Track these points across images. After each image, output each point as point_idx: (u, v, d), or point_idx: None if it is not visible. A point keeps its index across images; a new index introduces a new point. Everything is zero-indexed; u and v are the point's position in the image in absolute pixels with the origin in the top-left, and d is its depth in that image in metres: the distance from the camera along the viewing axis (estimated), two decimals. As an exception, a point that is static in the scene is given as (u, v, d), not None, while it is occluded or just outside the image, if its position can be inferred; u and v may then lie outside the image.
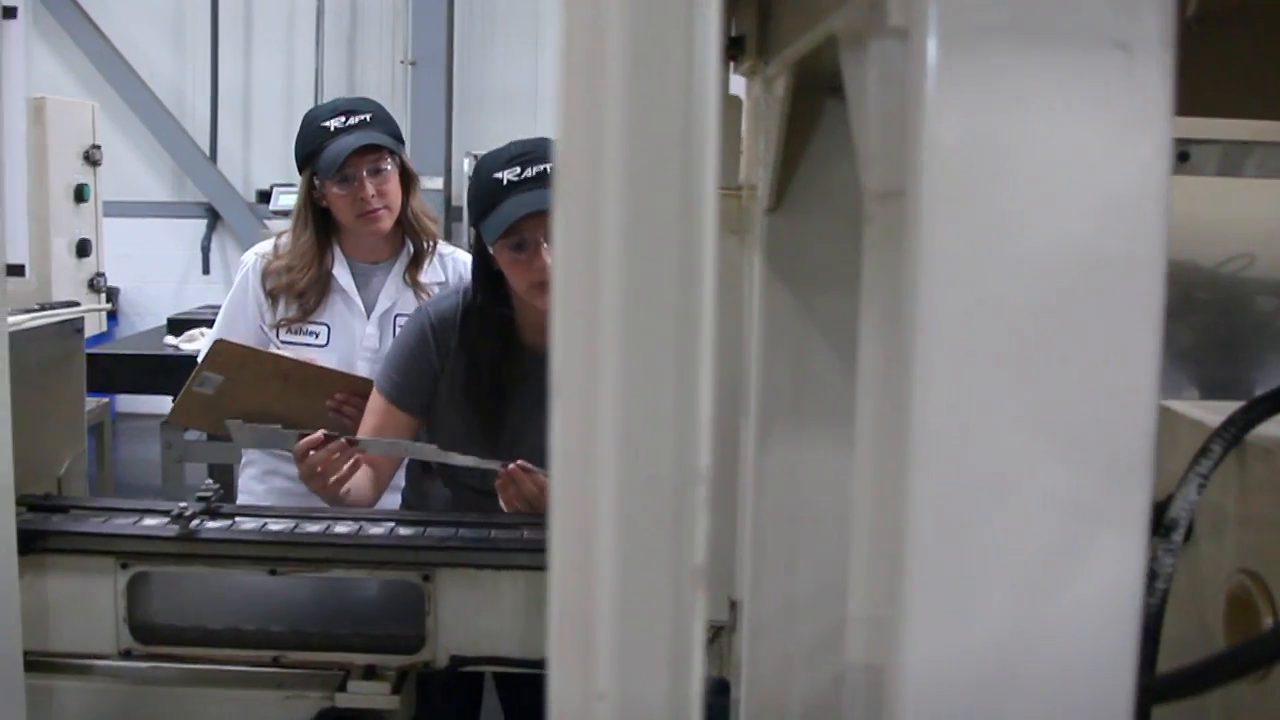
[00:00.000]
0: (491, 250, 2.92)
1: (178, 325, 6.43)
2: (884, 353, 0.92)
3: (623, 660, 0.72)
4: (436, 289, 3.47)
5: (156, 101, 11.78)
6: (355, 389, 3.17)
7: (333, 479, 2.75)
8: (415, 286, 3.48)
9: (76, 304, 2.93)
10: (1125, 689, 0.76)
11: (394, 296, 3.49)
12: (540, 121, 11.88)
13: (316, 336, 3.46)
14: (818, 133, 1.43)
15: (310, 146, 3.39)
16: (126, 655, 2.45)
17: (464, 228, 11.38)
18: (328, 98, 11.88)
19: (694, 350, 0.68)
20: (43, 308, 2.73)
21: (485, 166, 2.94)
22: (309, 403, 3.01)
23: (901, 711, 0.79)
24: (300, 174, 3.47)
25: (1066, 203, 0.77)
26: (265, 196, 11.50)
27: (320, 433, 2.74)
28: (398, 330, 3.38)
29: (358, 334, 3.46)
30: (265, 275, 3.46)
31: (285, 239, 3.50)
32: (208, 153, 11.86)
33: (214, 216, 11.72)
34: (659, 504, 0.70)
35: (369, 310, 3.48)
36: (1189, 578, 1.29)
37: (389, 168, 3.39)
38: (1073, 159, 0.76)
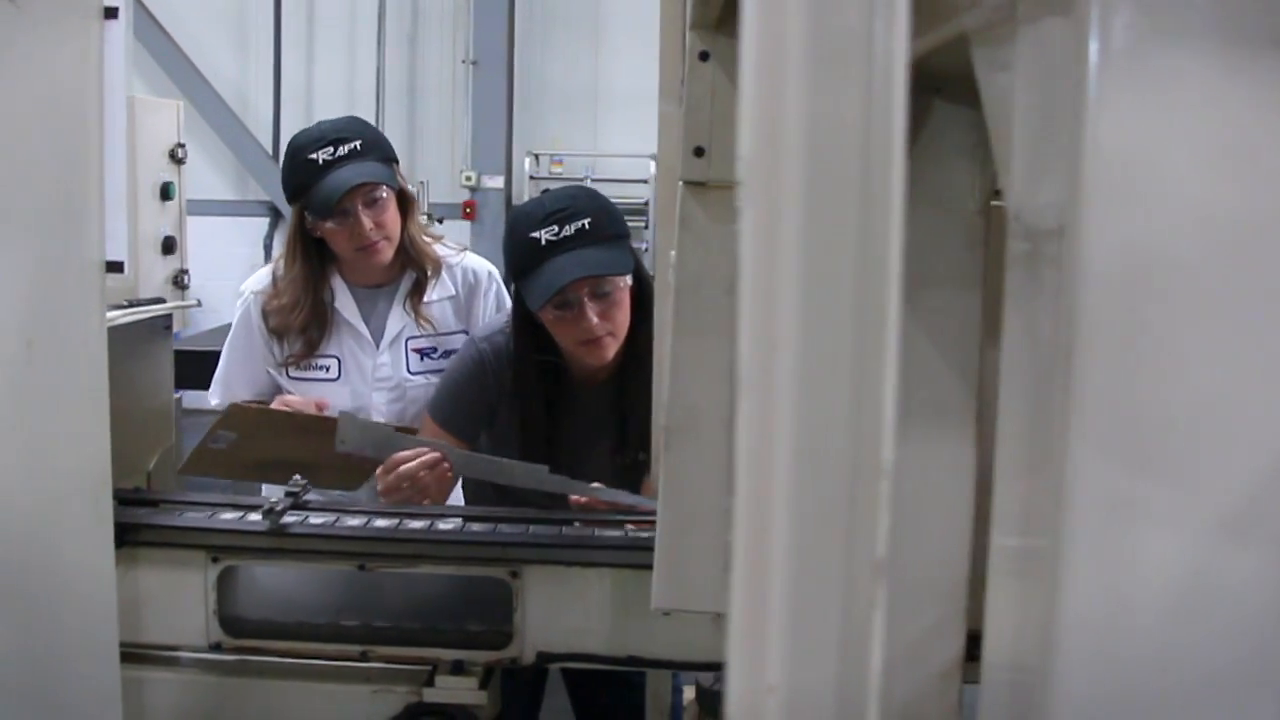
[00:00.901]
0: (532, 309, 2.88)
1: (249, 322, 6.47)
2: (1032, 358, 0.92)
3: (794, 654, 0.72)
4: (448, 303, 3.41)
5: (220, 101, 11.89)
6: None
7: (421, 496, 2.76)
8: (417, 315, 3.36)
9: (162, 300, 2.97)
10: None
11: (402, 321, 3.37)
12: (600, 121, 11.91)
13: (327, 370, 3.35)
14: (923, 133, 1.43)
15: (299, 181, 3.20)
16: (216, 648, 2.47)
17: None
18: (389, 97, 12.01)
19: (877, 348, 0.69)
20: (131, 304, 2.77)
21: (520, 225, 2.88)
22: (326, 450, 2.85)
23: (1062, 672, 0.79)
24: (289, 204, 3.31)
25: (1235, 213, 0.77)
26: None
27: (429, 453, 2.75)
28: (410, 355, 3.34)
29: (369, 365, 3.35)
30: (266, 314, 3.32)
31: (280, 261, 3.38)
32: (270, 152, 11.95)
33: (276, 215, 11.83)
34: (833, 498, 0.70)
35: (377, 339, 3.36)
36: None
37: (384, 196, 3.23)
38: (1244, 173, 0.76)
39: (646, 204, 11.02)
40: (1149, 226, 0.79)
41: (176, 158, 3.13)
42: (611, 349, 2.89)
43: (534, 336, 2.98)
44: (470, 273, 3.44)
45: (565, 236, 2.79)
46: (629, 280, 2.89)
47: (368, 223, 3.17)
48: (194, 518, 2.52)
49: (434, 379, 3.28)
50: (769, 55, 0.68)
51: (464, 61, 11.85)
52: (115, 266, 2.20)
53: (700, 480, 1.87)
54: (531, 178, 11.60)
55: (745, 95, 0.68)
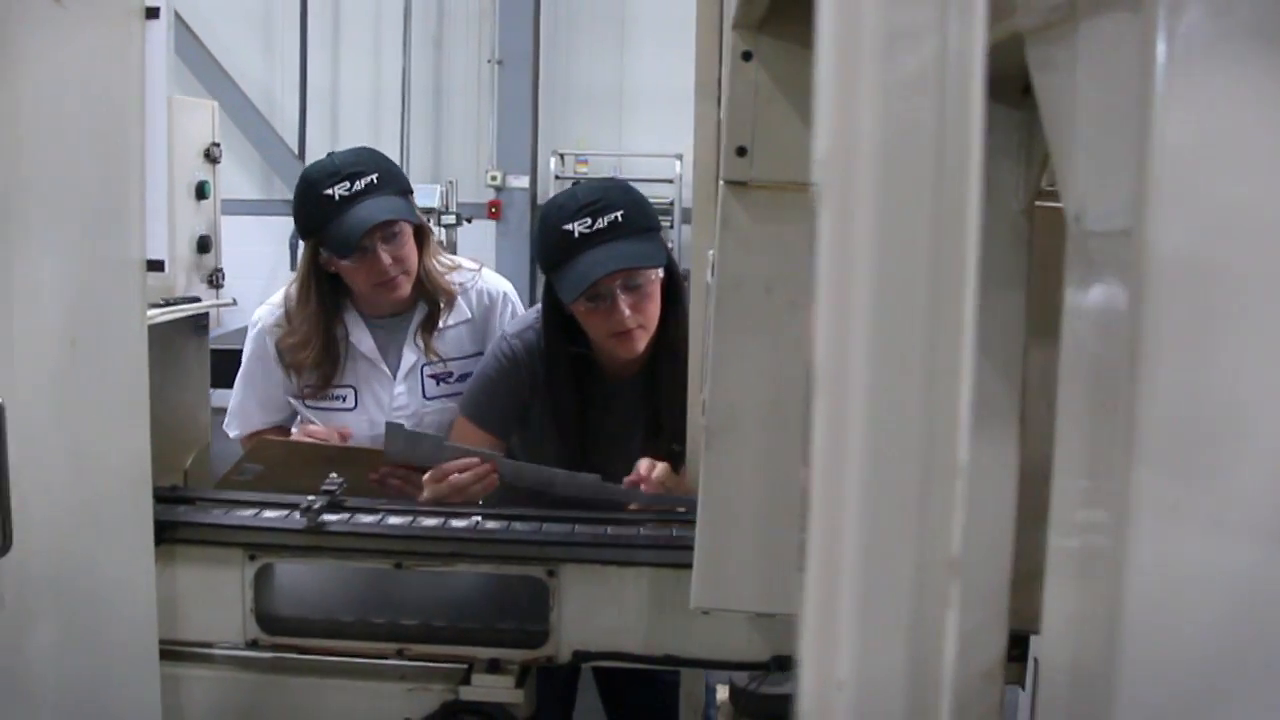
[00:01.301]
0: (565, 302, 2.88)
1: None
2: (1093, 359, 0.92)
3: (863, 650, 0.72)
4: (464, 328, 3.36)
5: (247, 101, 11.93)
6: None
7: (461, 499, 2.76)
8: (427, 348, 3.30)
9: (197, 299, 2.98)
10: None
11: (417, 352, 3.32)
12: (625, 120, 11.91)
13: (344, 400, 3.30)
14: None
15: (315, 218, 3.10)
16: (253, 645, 2.48)
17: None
18: (415, 97, 12.03)
19: (953, 348, 0.69)
20: (167, 303, 2.78)
21: (552, 217, 2.88)
22: (352, 477, 2.78)
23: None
24: (302, 239, 3.23)
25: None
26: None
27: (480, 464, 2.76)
28: (426, 382, 3.31)
29: (385, 396, 3.30)
30: (280, 349, 3.25)
31: (293, 296, 3.26)
32: (296, 152, 11.99)
33: (302, 214, 11.86)
34: (907, 496, 0.71)
35: (394, 370, 3.31)
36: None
37: (403, 230, 3.17)
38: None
39: (672, 204, 11.04)
40: (1216, 227, 0.79)
41: (211, 157, 3.14)
42: (643, 341, 2.90)
43: (564, 330, 2.99)
44: (485, 295, 3.40)
45: (598, 229, 2.79)
46: (660, 273, 2.90)
47: (387, 259, 3.11)
48: (231, 516, 2.53)
49: (451, 403, 3.26)
50: (844, 55, 0.68)
51: (489, 61, 11.88)
52: (156, 265, 2.21)
53: (740, 480, 1.87)
54: (557, 177, 11.61)
55: (821, 96, 0.68)
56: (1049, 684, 0.98)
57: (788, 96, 1.75)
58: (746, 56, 1.74)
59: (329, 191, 3.04)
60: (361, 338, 3.28)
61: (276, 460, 2.94)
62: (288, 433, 3.32)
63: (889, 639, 0.72)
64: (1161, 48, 0.78)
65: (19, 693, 1.83)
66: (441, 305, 3.30)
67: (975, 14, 0.68)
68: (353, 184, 3.05)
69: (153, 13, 2.16)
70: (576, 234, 2.79)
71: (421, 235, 3.25)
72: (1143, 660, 0.83)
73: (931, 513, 0.70)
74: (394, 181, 3.17)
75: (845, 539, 0.71)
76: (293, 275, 3.24)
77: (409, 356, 3.30)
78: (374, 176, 3.09)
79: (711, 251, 2.10)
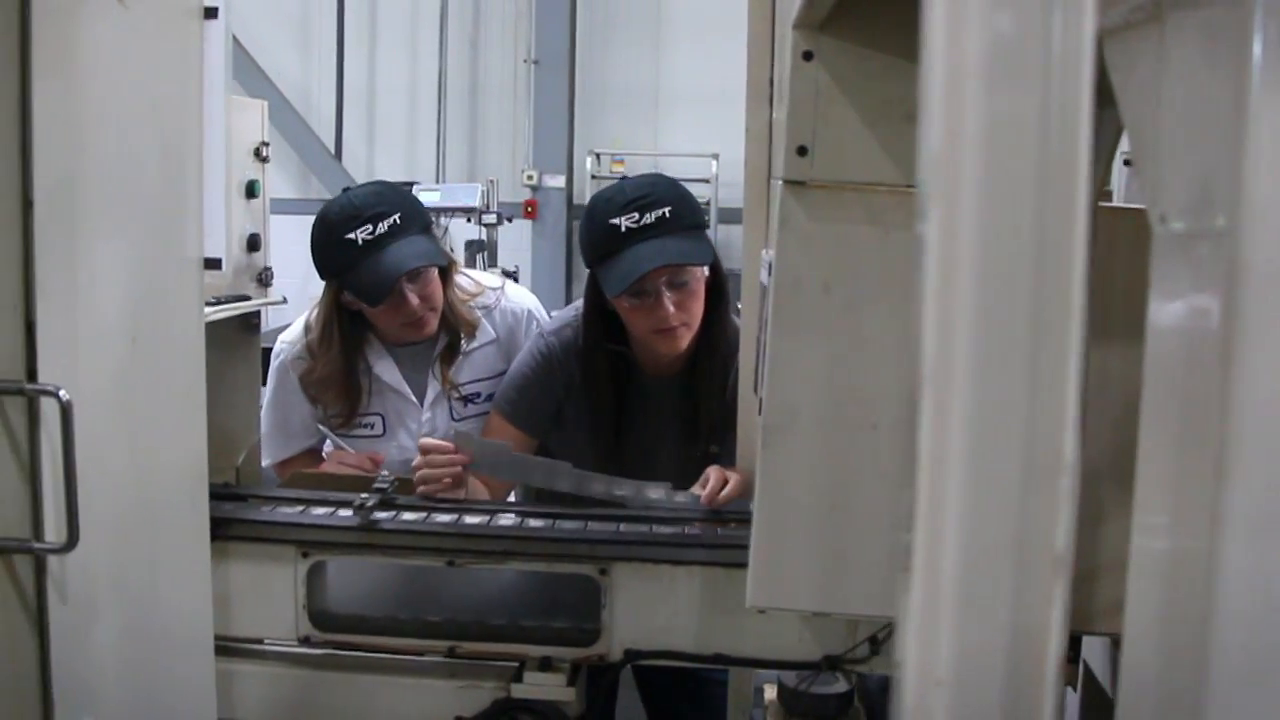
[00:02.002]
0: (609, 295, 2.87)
1: (318, 320, 6.51)
2: (1181, 358, 0.91)
3: (962, 648, 0.72)
4: (491, 348, 3.31)
5: (283, 100, 11.97)
6: None
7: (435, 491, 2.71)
8: (443, 379, 3.25)
9: (247, 298, 2.99)
10: None
11: (439, 382, 3.28)
12: (660, 120, 11.92)
13: (371, 428, 3.26)
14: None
15: (337, 263, 3.03)
16: (305, 641, 2.49)
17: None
18: (451, 97, 12.06)
19: (1061, 346, 0.69)
20: (218, 301, 2.79)
21: (600, 211, 2.87)
22: None
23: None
24: (322, 278, 3.14)
25: None
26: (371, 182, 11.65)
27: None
28: (453, 405, 3.27)
29: (414, 423, 3.26)
30: (304, 383, 3.21)
31: (313, 330, 3.19)
32: (333, 151, 12.04)
33: (338, 213, 11.91)
34: (1007, 496, 0.71)
35: (420, 398, 3.27)
36: None
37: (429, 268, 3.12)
38: None
39: (708, 203, 11.03)
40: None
41: (261, 156, 3.15)
42: (686, 339, 2.89)
43: (605, 327, 2.98)
44: (509, 314, 3.35)
45: (645, 224, 2.79)
46: (706, 270, 2.89)
47: (415, 300, 3.06)
48: (285, 513, 2.55)
49: (479, 423, 3.23)
50: (951, 57, 0.68)
51: (526, 61, 11.89)
52: (213, 263, 2.23)
53: (798, 478, 1.87)
54: (593, 177, 11.62)
55: (928, 97, 0.68)
56: (1133, 684, 0.98)
57: (848, 96, 1.75)
58: (808, 56, 1.74)
59: (351, 236, 2.98)
60: (386, 369, 3.24)
61: (312, 488, 2.90)
62: (318, 455, 3.32)
63: (990, 638, 0.72)
64: (1259, 45, 0.78)
65: (82, 687, 1.84)
66: (462, 336, 3.25)
67: (1084, 11, 0.68)
68: (375, 226, 2.98)
69: (211, 12, 2.18)
70: (624, 228, 2.79)
71: (445, 269, 3.20)
72: (1235, 665, 0.82)
73: (1036, 510, 0.70)
74: (416, 219, 3.11)
75: (948, 538, 0.71)
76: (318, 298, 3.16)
77: (434, 384, 3.27)
78: (396, 216, 3.02)
79: (765, 251, 2.10)
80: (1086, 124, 0.69)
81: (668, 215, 2.81)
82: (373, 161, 12.26)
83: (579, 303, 3.14)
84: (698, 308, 2.91)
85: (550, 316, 3.38)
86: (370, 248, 2.97)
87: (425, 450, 2.71)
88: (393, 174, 11.80)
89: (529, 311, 3.38)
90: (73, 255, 1.78)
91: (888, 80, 1.74)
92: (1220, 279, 0.82)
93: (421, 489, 2.68)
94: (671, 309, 2.81)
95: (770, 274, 1.91)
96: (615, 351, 3.01)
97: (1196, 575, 0.84)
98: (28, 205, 1.71)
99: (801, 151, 1.77)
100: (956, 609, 0.72)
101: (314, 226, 3.09)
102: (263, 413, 3.26)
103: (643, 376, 3.06)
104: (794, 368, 1.85)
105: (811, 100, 1.76)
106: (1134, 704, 0.97)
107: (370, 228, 2.97)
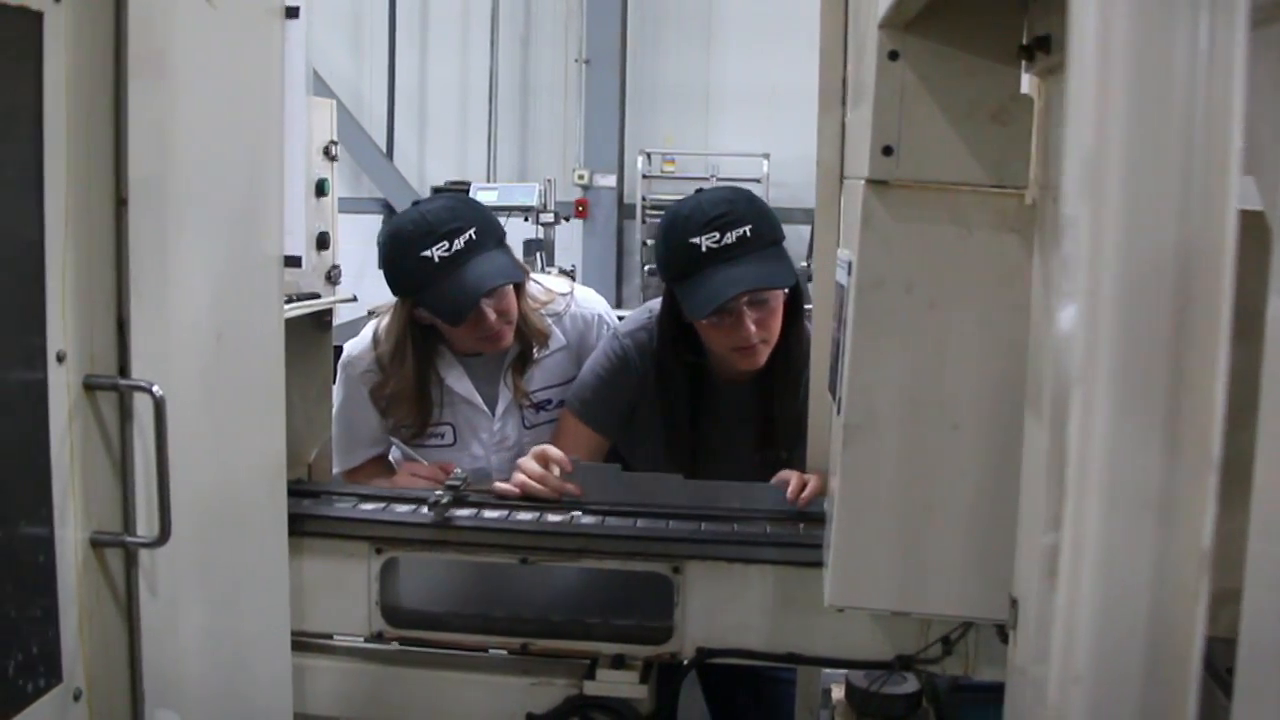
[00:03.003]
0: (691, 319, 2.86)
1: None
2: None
3: (1099, 645, 0.73)
4: (561, 354, 3.28)
5: (335, 99, 12.03)
6: None
7: None
8: (516, 390, 3.20)
9: (317, 295, 3.00)
10: None
11: (510, 391, 3.24)
12: (711, 119, 11.91)
13: (442, 438, 3.24)
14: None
15: (413, 281, 3.01)
16: (378, 637, 2.51)
17: (635, 225, 11.46)
18: (502, 96, 12.10)
19: (1206, 345, 0.69)
20: (292, 299, 2.81)
21: (678, 228, 2.84)
22: None
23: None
24: (394, 294, 3.14)
25: None
26: (440, 193, 11.70)
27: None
28: (525, 413, 3.25)
29: (484, 434, 3.24)
30: (374, 396, 3.19)
31: (383, 344, 3.17)
32: (384, 150, 12.10)
33: (390, 212, 11.97)
34: (1149, 494, 0.71)
35: (492, 407, 3.24)
36: None
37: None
38: None
39: (759, 203, 11.00)
40: None
41: (330, 155, 3.17)
42: (764, 355, 2.88)
43: (681, 337, 2.98)
44: (580, 319, 3.33)
45: (726, 244, 2.76)
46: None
47: (492, 316, 3.02)
48: (359, 509, 2.57)
49: (550, 429, 3.21)
50: (1100, 56, 0.68)
51: (577, 61, 11.92)
52: (293, 261, 2.25)
53: (878, 478, 1.87)
54: (644, 176, 11.64)
55: (1077, 96, 0.69)
56: (1249, 692, 0.97)
57: (934, 96, 1.76)
58: (893, 56, 1.75)
59: (427, 253, 2.94)
60: (457, 379, 3.22)
61: None
62: (386, 462, 3.33)
63: (1131, 635, 0.72)
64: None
65: (167, 681, 1.86)
66: (534, 347, 3.21)
67: (1235, 10, 0.68)
68: (451, 243, 2.95)
69: (292, 12, 2.20)
70: (704, 248, 2.77)
71: (519, 283, 3.16)
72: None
73: (1181, 508, 0.70)
74: (492, 232, 3.07)
75: (1091, 537, 0.71)
76: (381, 275, 3.12)
77: (506, 394, 3.24)
78: (472, 231, 2.98)
79: (842, 251, 2.11)
80: (1237, 124, 0.69)
81: (748, 234, 2.78)
82: (423, 161, 12.32)
83: (653, 303, 3.14)
84: (777, 324, 2.90)
85: (619, 318, 3.37)
86: (448, 265, 2.94)
87: (533, 472, 2.67)
88: (444, 174, 11.87)
89: (599, 316, 3.36)
90: (164, 253, 1.80)
91: (973, 80, 1.75)
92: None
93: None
94: (753, 328, 2.80)
95: (849, 274, 1.91)
96: (691, 361, 3.01)
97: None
98: (121, 204, 1.73)
99: (886, 151, 1.78)
100: (1097, 606, 0.72)
101: (387, 243, 3.08)
102: (333, 421, 3.18)
103: (716, 384, 3.05)
104: (875, 368, 1.85)
105: (897, 100, 1.76)
106: (1252, 707, 0.97)
107: (446, 244, 2.94)
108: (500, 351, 3.19)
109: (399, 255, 3.02)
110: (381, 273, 3.13)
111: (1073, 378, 0.69)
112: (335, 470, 3.24)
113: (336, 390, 3.21)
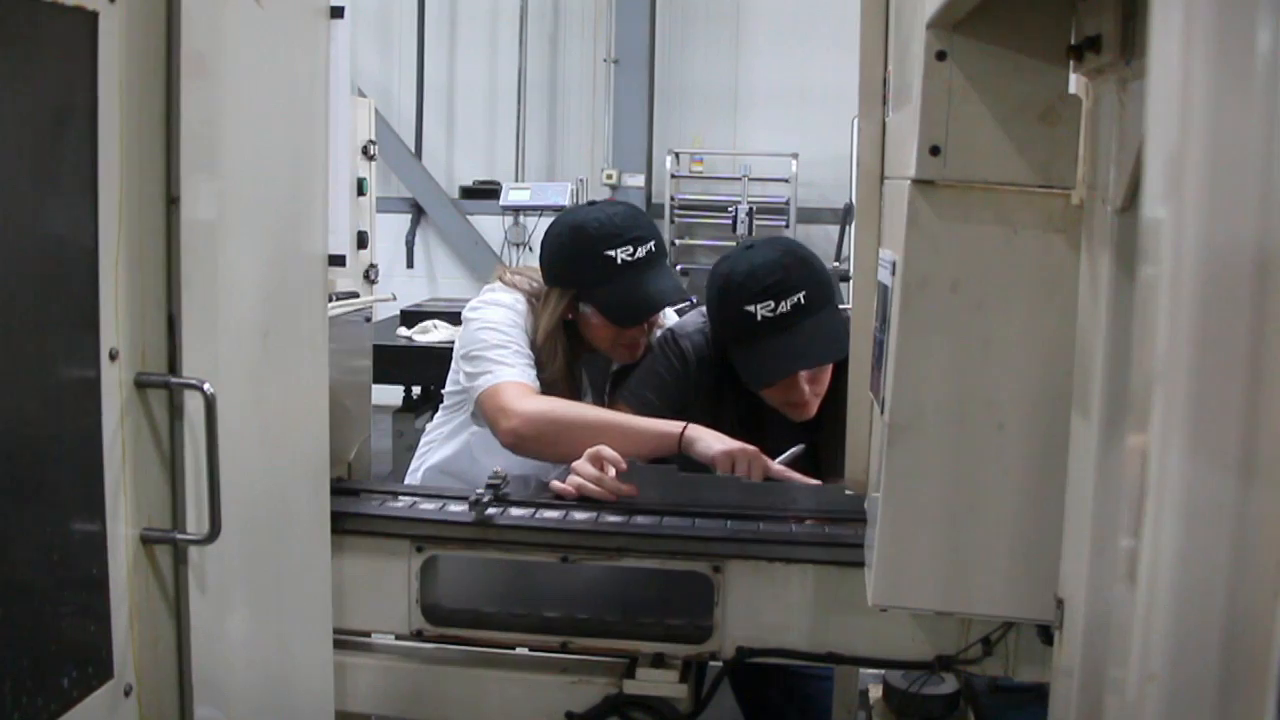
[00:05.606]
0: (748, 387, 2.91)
1: (410, 318, 6.59)
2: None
3: (1178, 644, 0.73)
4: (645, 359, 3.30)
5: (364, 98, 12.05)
6: None
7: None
8: (609, 397, 3.28)
9: (356, 294, 3.02)
10: None
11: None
12: (740, 119, 11.89)
13: None
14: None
15: (590, 275, 3.10)
16: (418, 635, 2.51)
17: (664, 225, 11.44)
18: (530, 96, 12.09)
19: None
20: (332, 298, 2.82)
21: (732, 295, 2.87)
22: None
23: None
24: (559, 285, 3.20)
25: None
26: (468, 193, 11.73)
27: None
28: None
29: None
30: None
31: (537, 337, 3.19)
32: (413, 149, 12.11)
33: (418, 211, 12.00)
34: (1220, 490, 0.71)
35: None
36: None
37: None
38: None
39: (787, 203, 11.02)
40: None
41: (368, 154, 3.17)
42: (815, 407, 2.92)
43: (733, 378, 3.01)
44: (663, 329, 3.36)
45: (783, 313, 2.80)
46: None
47: (644, 325, 3.19)
48: (399, 507, 2.58)
49: None
50: (1183, 58, 0.68)
51: (605, 60, 11.90)
52: (337, 260, 2.26)
53: (924, 477, 1.87)
54: (673, 176, 11.63)
55: (1158, 99, 0.69)
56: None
57: (982, 95, 1.75)
58: (941, 56, 1.75)
59: (611, 253, 3.07)
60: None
61: None
62: None
63: (1208, 635, 0.72)
64: None
65: (214, 678, 1.87)
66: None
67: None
68: (635, 249, 3.08)
69: (337, 12, 2.21)
70: (759, 317, 2.80)
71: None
72: None
73: (1259, 507, 0.70)
74: (664, 250, 3.20)
75: (1169, 536, 0.71)
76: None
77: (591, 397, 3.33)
78: (652, 244, 3.12)
79: (883, 250, 2.11)
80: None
81: (802, 301, 2.82)
82: (452, 160, 12.32)
83: (703, 317, 3.17)
84: (828, 377, 2.95)
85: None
86: (628, 269, 3.07)
87: (588, 473, 2.66)
88: (472, 173, 11.91)
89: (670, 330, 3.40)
90: (213, 251, 1.81)
91: (1022, 80, 1.74)
92: None
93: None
94: (806, 389, 2.85)
95: (892, 273, 1.91)
96: (743, 397, 3.05)
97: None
98: (172, 202, 1.74)
99: (934, 151, 1.77)
100: (1174, 605, 0.72)
101: (564, 233, 3.17)
102: (491, 347, 3.12)
103: (765, 408, 3.07)
104: (920, 367, 1.85)
105: (944, 100, 1.76)
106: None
107: (631, 249, 3.07)
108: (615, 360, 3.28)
109: (581, 249, 3.12)
110: (541, 263, 3.23)
111: (1155, 376, 0.69)
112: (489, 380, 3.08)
113: (495, 316, 3.18)
